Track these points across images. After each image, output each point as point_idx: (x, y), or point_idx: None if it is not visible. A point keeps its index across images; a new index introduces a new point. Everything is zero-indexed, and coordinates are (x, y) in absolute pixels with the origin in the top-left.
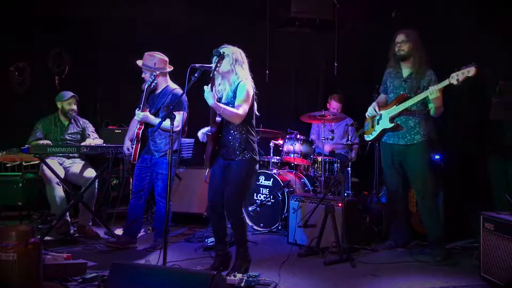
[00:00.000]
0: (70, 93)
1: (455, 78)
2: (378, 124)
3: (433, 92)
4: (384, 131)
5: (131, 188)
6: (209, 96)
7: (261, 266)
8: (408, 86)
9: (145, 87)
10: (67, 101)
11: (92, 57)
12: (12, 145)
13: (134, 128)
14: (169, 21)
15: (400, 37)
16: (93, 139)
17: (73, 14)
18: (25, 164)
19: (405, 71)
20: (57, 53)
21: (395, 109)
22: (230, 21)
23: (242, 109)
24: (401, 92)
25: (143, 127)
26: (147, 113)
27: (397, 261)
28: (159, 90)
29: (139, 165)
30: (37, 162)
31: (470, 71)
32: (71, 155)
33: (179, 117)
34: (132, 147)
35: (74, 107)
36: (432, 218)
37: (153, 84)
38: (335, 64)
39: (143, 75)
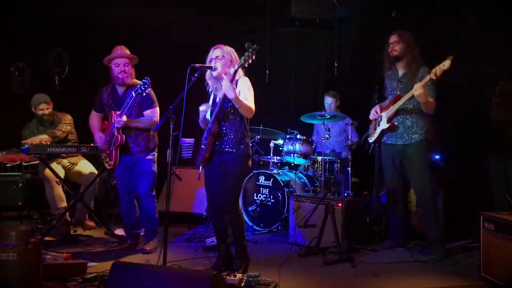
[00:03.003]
0: (40, 98)
1: (434, 72)
2: (379, 125)
3: (417, 89)
4: (383, 132)
5: None
6: (230, 88)
7: (261, 266)
8: (403, 86)
9: (133, 94)
10: (38, 107)
11: (92, 57)
12: (12, 145)
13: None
14: (169, 21)
15: (392, 38)
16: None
17: (73, 14)
18: (25, 164)
19: (400, 71)
20: (57, 53)
21: (391, 110)
22: (230, 21)
23: (252, 103)
24: (398, 93)
25: (121, 131)
26: (125, 118)
27: (397, 261)
28: (124, 89)
29: (121, 167)
30: (37, 162)
31: (445, 64)
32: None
33: (155, 113)
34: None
35: (46, 111)
36: (431, 217)
37: (145, 92)
38: (335, 64)
39: (126, 68)
